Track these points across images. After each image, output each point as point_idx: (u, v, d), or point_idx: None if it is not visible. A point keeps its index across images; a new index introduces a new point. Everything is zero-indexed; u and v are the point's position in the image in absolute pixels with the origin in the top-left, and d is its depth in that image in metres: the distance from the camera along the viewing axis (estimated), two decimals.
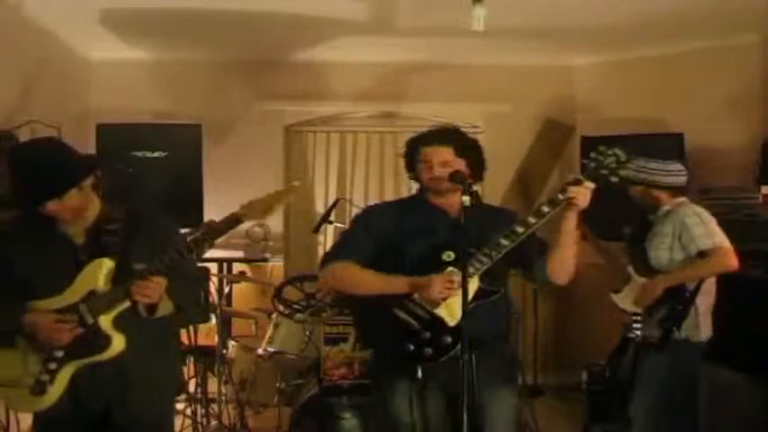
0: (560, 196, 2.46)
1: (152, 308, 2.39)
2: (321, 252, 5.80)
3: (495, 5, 3.63)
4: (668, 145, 4.56)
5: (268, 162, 5.58)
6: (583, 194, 2.46)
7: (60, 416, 2.37)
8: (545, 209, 2.47)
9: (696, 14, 4.41)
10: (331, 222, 4.70)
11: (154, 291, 2.32)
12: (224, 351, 4.18)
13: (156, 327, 2.45)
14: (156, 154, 4.55)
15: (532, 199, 5.50)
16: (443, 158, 2.64)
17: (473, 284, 2.51)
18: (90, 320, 2.34)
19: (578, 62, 5.70)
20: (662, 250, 3.38)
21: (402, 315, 2.59)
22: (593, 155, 2.52)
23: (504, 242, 2.50)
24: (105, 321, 2.35)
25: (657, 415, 3.34)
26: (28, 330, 2.33)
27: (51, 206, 2.31)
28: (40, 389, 2.33)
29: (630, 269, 3.49)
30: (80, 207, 2.39)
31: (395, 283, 2.59)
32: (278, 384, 4.01)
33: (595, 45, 5.26)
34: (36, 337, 2.33)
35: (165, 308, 2.44)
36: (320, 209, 5.65)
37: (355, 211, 5.45)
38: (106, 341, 2.35)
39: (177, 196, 4.46)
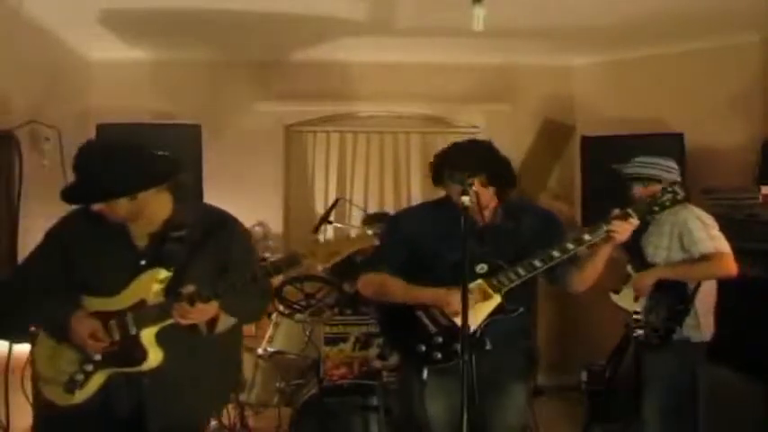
0: (603, 227, 2.52)
1: (212, 324, 2.35)
2: None
3: (495, 5, 3.63)
4: (668, 145, 4.55)
5: (268, 162, 5.58)
6: (625, 230, 2.51)
7: (86, 416, 2.35)
8: (586, 237, 2.54)
9: (696, 14, 4.40)
10: (331, 222, 4.70)
11: (197, 316, 2.27)
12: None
13: (210, 341, 2.39)
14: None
15: (532, 199, 5.50)
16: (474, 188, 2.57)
17: (495, 300, 2.59)
18: (133, 331, 2.31)
19: (578, 62, 5.70)
20: (660, 249, 3.38)
21: (422, 318, 2.68)
22: None
23: (538, 264, 2.56)
24: (148, 334, 2.32)
25: (669, 414, 3.34)
26: (70, 330, 2.32)
27: (96, 206, 2.30)
28: (72, 387, 2.33)
29: (629, 268, 3.49)
30: (134, 213, 2.33)
31: (419, 296, 2.66)
32: (278, 384, 4.01)
33: (595, 45, 5.26)
34: (73, 340, 2.33)
35: (226, 323, 2.39)
36: (320, 209, 5.66)
37: (355, 211, 5.49)
38: (142, 355, 2.32)
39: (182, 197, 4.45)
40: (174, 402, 2.36)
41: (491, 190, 2.66)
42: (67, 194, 2.31)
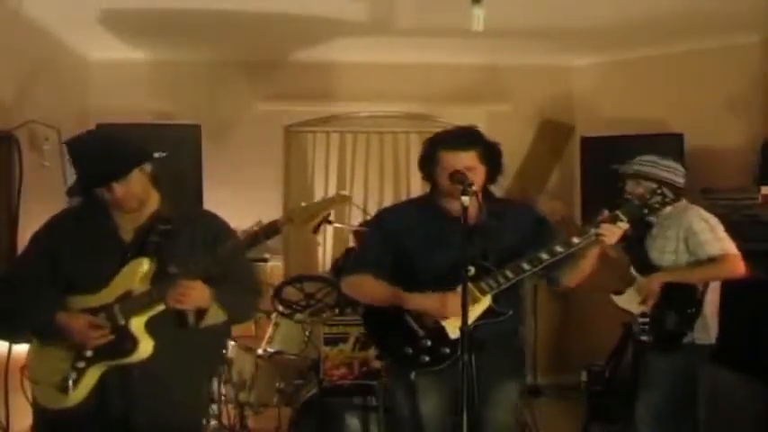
0: (592, 230, 2.51)
1: (200, 316, 2.35)
2: (321, 252, 5.81)
3: (495, 5, 3.63)
4: (668, 145, 4.54)
5: (268, 162, 5.58)
6: (614, 234, 2.49)
7: (84, 416, 2.34)
8: (575, 240, 2.52)
9: (696, 14, 4.40)
10: (330, 222, 4.69)
11: (189, 297, 2.26)
12: (224, 351, 4.17)
13: (201, 334, 2.40)
14: (155, 154, 4.52)
15: (532, 200, 5.49)
16: (468, 164, 2.54)
17: (484, 303, 2.55)
18: (121, 321, 2.31)
19: (578, 62, 5.70)
20: (667, 253, 3.36)
21: (409, 320, 2.63)
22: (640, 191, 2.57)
23: (526, 267, 2.53)
24: (137, 324, 2.32)
25: (665, 416, 3.33)
26: (61, 330, 2.32)
27: (119, 190, 2.32)
28: (65, 387, 2.32)
29: (633, 271, 3.47)
30: (143, 195, 2.39)
31: (403, 300, 2.60)
32: (278, 384, 4.01)
33: (595, 45, 5.26)
34: (69, 338, 2.32)
35: (215, 316, 2.39)
36: None
37: (355, 211, 5.48)
38: (132, 344, 2.31)
39: (177, 196, 4.44)
40: (168, 397, 2.37)
41: (483, 172, 2.60)
42: (87, 184, 2.36)
